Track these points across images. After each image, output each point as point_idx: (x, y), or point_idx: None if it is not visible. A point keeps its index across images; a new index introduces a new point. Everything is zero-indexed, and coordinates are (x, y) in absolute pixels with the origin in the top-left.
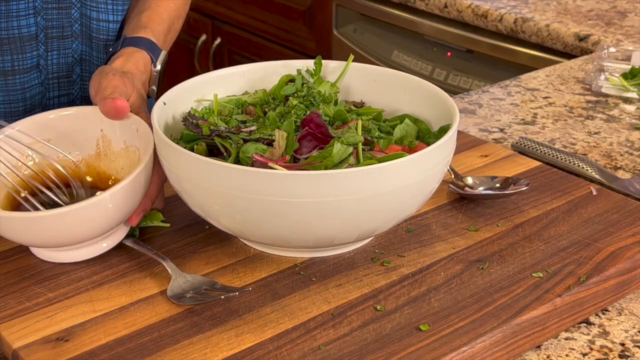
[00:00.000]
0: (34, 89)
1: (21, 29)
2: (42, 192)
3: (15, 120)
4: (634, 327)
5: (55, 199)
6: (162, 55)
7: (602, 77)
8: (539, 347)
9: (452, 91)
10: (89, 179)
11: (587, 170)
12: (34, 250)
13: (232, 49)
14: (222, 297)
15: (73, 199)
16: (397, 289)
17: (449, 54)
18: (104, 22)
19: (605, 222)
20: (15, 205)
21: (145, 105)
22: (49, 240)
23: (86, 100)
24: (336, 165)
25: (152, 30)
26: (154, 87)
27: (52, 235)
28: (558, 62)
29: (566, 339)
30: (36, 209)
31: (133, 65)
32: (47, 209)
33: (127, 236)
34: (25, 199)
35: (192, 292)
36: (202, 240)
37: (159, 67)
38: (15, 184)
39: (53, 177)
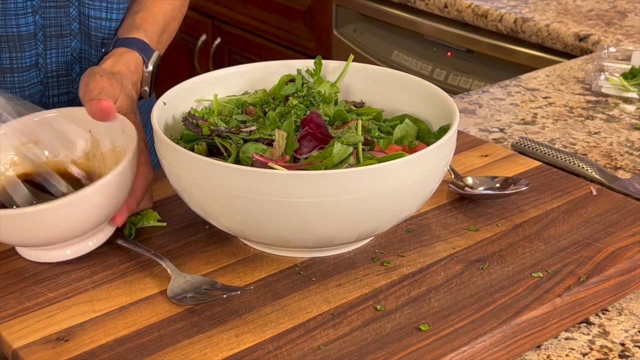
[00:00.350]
0: (33, 88)
1: (19, 27)
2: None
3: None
4: (634, 327)
5: (50, 188)
6: (155, 56)
7: (602, 77)
8: (539, 347)
9: (452, 91)
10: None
11: (587, 170)
12: (19, 250)
13: (232, 49)
14: (224, 296)
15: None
16: (397, 289)
17: (449, 54)
18: (102, 20)
19: (605, 222)
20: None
21: (135, 106)
22: (33, 238)
23: None
24: (336, 165)
25: (145, 31)
26: (146, 88)
27: (37, 232)
28: (558, 62)
29: (566, 339)
30: (28, 196)
31: (123, 66)
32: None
33: (124, 237)
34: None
35: (192, 292)
36: (202, 240)
37: (150, 67)
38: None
39: (44, 175)
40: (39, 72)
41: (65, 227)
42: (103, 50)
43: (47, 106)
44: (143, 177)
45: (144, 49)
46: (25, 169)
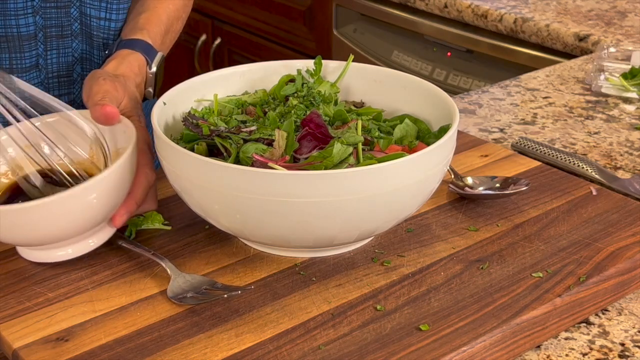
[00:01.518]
0: None
1: (19, 27)
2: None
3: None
4: (633, 327)
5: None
6: (158, 57)
7: (602, 77)
8: (539, 347)
9: (452, 91)
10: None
11: (587, 170)
12: (20, 250)
13: (232, 49)
14: (225, 295)
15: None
16: (397, 289)
17: (449, 54)
18: (103, 20)
19: (605, 222)
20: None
21: (139, 108)
22: (31, 236)
23: None
24: (336, 165)
25: (149, 32)
26: (150, 89)
27: (35, 229)
28: (558, 62)
29: (566, 339)
30: (35, 187)
31: (126, 68)
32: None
33: (125, 238)
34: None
35: (193, 292)
36: (202, 240)
37: (154, 69)
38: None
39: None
40: (40, 73)
41: (63, 224)
42: (106, 52)
43: None
44: (144, 178)
45: (148, 50)
46: (26, 172)
